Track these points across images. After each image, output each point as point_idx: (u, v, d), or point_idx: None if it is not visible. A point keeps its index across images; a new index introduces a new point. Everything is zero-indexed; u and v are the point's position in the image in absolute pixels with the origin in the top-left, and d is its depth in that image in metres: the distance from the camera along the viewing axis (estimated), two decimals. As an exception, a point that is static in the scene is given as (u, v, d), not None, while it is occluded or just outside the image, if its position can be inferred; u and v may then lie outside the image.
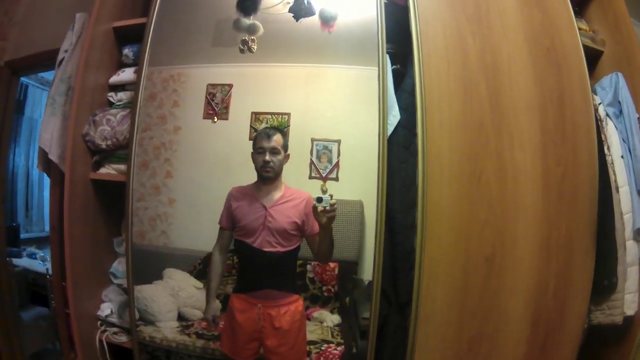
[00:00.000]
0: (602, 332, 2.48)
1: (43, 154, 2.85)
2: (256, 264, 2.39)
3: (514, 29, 2.34)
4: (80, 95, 2.64)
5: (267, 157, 2.35)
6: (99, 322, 2.73)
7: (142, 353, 2.56)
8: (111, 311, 2.73)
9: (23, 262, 4.49)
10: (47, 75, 4.82)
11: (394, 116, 2.34)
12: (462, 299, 2.20)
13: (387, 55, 2.34)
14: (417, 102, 2.20)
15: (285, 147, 2.40)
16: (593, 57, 2.76)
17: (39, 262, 4.52)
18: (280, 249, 2.34)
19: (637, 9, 2.92)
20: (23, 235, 5.17)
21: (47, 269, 3.59)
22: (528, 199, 2.22)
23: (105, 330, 2.69)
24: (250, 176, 2.41)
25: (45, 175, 3.06)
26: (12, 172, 5.14)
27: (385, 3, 2.36)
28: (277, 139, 2.37)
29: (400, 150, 2.34)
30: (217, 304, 2.48)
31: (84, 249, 2.65)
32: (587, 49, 2.48)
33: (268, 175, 2.37)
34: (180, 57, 2.83)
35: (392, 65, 2.43)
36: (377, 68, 2.29)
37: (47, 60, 3.33)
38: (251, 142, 2.45)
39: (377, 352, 2.24)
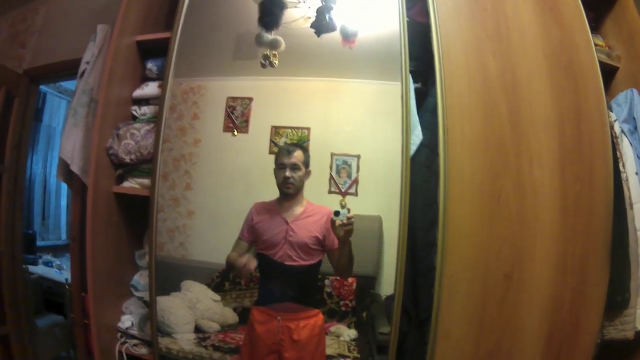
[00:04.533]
0: (614, 346, 2.47)
1: (64, 165, 2.87)
2: (277, 277, 2.42)
3: (533, 47, 2.34)
4: (104, 108, 2.66)
5: (288, 173, 2.38)
6: (119, 334, 2.74)
7: (159, 365, 2.58)
8: (132, 323, 2.74)
9: (39, 269, 4.52)
10: (66, 84, 4.87)
11: (417, 136, 2.35)
12: (481, 315, 2.20)
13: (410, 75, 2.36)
14: (439, 121, 2.22)
15: (306, 163, 2.43)
16: (608, 73, 2.76)
17: (55, 270, 4.55)
18: (301, 262, 2.36)
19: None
20: (39, 243, 5.20)
21: (65, 279, 3.61)
22: (546, 215, 2.23)
23: (125, 342, 2.70)
24: (270, 190, 2.44)
25: (62, 183, 3.09)
26: (30, 179, 5.17)
27: (407, 21, 2.37)
28: (297, 155, 2.40)
29: (422, 170, 2.36)
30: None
31: (106, 261, 2.66)
32: (602, 64, 2.47)
33: (289, 191, 2.41)
34: (201, 69, 2.84)
35: (413, 84, 2.45)
36: (398, 83, 2.30)
37: (66, 69, 3.36)
38: (271, 155, 2.49)
39: (396, 367, 2.26)
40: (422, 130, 2.38)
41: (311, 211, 2.42)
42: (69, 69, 3.18)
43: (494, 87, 2.30)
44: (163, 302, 2.61)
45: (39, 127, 5.32)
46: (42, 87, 4.62)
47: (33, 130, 4.63)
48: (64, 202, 5.60)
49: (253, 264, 2.39)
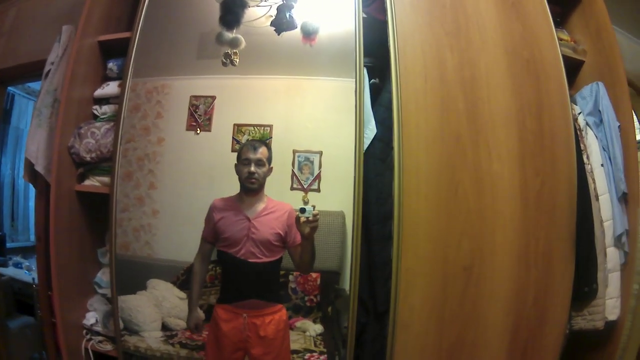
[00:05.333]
0: (587, 336, 2.51)
1: (29, 165, 2.86)
2: (240, 274, 2.41)
3: (493, 42, 2.37)
4: (66, 108, 2.65)
5: (253, 169, 2.38)
6: (84, 331, 2.73)
7: (127, 362, 2.58)
8: (96, 320, 2.74)
9: (9, 271, 4.47)
10: (34, 85, 4.83)
11: (371, 130, 2.37)
12: (441, 308, 2.22)
13: (365, 69, 2.37)
14: (394, 116, 2.24)
15: (269, 159, 2.44)
16: (574, 67, 2.80)
17: (24, 271, 4.52)
18: (264, 259, 2.37)
19: (619, 16, 2.94)
20: (9, 245, 5.15)
21: (33, 279, 3.59)
22: (506, 209, 2.25)
23: (90, 339, 2.70)
24: (232, 187, 2.44)
25: (30, 185, 3.07)
26: (-2, 181, 5.15)
27: (364, 17, 2.39)
28: (262, 151, 2.41)
29: (376, 163, 2.38)
30: (199, 312, 2.51)
31: (70, 259, 2.66)
32: (568, 59, 2.52)
33: (252, 187, 2.41)
34: (164, 69, 2.84)
35: (370, 79, 2.47)
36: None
37: (33, 70, 3.34)
38: (234, 153, 2.48)
39: (357, 360, 2.27)
40: (376, 125, 2.40)
41: (272, 207, 2.43)
42: (37, 70, 3.16)
43: (452, 82, 2.32)
44: (130, 300, 2.62)
45: (7, 129, 5.27)
46: (10, 89, 4.60)
47: (1, 132, 4.62)
48: (32, 203, 5.46)
49: (200, 322, 2.52)
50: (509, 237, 2.25)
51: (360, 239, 2.23)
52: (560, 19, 2.94)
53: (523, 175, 2.27)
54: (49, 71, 2.91)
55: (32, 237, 5.44)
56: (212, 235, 2.46)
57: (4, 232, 5.16)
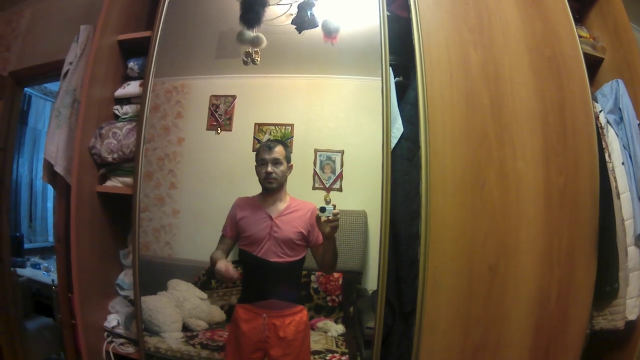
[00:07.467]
0: (605, 336, 2.49)
1: (49, 166, 2.86)
2: (261, 274, 2.40)
3: (516, 39, 2.35)
4: (86, 108, 2.64)
5: (270, 169, 2.37)
6: (105, 333, 2.73)
7: (147, 364, 2.57)
8: (118, 322, 2.73)
9: (27, 272, 4.50)
10: (51, 85, 4.85)
11: (397, 129, 2.35)
12: (466, 308, 2.20)
13: (390, 68, 2.35)
14: (420, 114, 2.22)
15: (287, 158, 2.43)
16: (593, 64, 2.78)
17: (43, 272, 4.54)
18: (286, 259, 2.36)
19: (637, 14, 2.93)
20: (27, 246, 5.17)
21: (52, 280, 3.60)
22: (530, 207, 2.23)
23: (112, 341, 2.70)
24: (253, 187, 2.43)
25: (48, 185, 3.07)
26: (16, 182, 5.11)
27: (388, 15, 2.37)
28: (278, 150, 2.40)
29: (403, 163, 2.35)
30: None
31: (91, 261, 2.66)
32: (587, 56, 2.49)
33: (271, 186, 2.40)
34: (184, 68, 2.83)
35: (394, 78, 2.44)
36: (379, 78, 2.29)
37: (50, 71, 3.35)
38: (254, 153, 2.47)
39: (382, 361, 2.26)
40: (403, 123, 2.38)
41: (295, 206, 2.42)
42: (54, 71, 3.16)
43: (476, 79, 2.30)
44: (150, 301, 2.61)
45: (25, 130, 5.29)
46: (27, 90, 4.61)
47: (18, 133, 4.61)
48: (50, 204, 5.56)
49: (234, 272, 2.36)
50: (532, 235, 2.23)
51: (388, 238, 2.21)
52: (579, 16, 2.93)
53: (547, 173, 2.25)
54: (67, 71, 2.91)
55: (51, 238, 5.48)
56: (233, 232, 2.45)
57: (22, 233, 5.20)
